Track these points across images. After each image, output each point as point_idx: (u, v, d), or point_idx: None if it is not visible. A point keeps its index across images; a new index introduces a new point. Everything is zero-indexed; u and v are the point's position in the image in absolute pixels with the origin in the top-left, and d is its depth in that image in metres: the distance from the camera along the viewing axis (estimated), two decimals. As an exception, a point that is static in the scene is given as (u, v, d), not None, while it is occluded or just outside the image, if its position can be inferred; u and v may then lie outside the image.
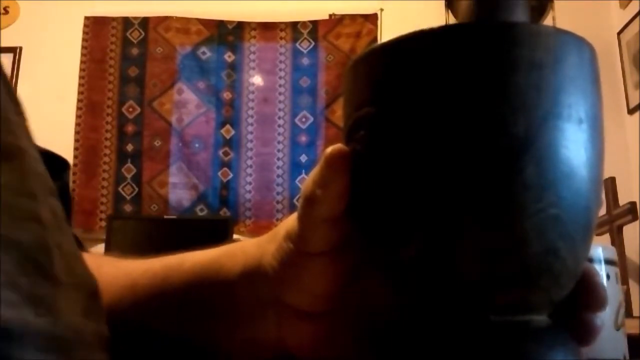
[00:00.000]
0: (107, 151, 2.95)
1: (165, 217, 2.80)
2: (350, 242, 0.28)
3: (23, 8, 3.05)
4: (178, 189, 2.91)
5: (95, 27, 3.05)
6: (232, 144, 2.96)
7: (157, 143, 2.95)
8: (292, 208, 2.83)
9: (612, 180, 2.16)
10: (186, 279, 0.35)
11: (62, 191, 0.33)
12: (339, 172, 0.26)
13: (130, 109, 2.99)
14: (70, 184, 2.53)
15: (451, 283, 0.23)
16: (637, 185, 2.29)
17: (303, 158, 2.92)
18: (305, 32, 3.04)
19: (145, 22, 3.06)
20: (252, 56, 3.04)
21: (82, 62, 3.02)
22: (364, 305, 0.30)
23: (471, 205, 0.23)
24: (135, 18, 3.06)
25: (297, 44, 3.04)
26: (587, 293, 0.26)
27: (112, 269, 0.38)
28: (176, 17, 3.06)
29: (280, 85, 3.01)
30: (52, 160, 0.34)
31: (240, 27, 3.06)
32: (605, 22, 2.72)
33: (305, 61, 3.01)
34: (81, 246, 0.44)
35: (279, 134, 2.96)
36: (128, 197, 2.91)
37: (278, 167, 2.93)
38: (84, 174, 2.89)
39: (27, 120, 0.30)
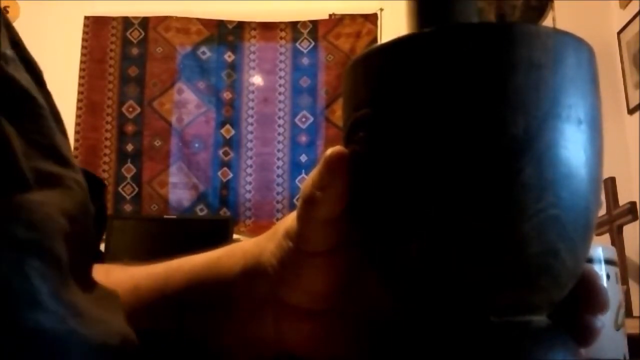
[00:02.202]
0: (107, 151, 2.95)
1: (165, 217, 2.80)
2: (349, 242, 0.28)
3: (23, 8, 3.05)
4: (178, 189, 2.91)
5: (95, 27, 3.05)
6: (232, 144, 2.96)
7: (157, 143, 2.95)
8: (292, 208, 2.83)
9: (612, 180, 2.16)
10: (187, 279, 0.35)
11: (98, 213, 0.33)
12: (338, 174, 0.26)
13: (130, 109, 2.99)
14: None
15: (451, 283, 0.23)
16: (637, 185, 2.29)
17: (303, 158, 2.92)
18: (305, 32, 3.04)
19: (145, 22, 3.06)
20: (252, 56, 3.05)
21: (82, 62, 3.02)
22: (364, 305, 0.30)
23: (471, 206, 0.23)
24: (135, 18, 3.06)
25: (297, 44, 3.04)
26: (588, 295, 0.26)
27: (118, 275, 0.39)
28: (176, 17, 3.06)
29: (280, 85, 3.01)
30: (91, 181, 0.34)
31: (240, 27, 3.06)
32: (605, 22, 2.72)
33: (305, 61, 3.02)
34: (100, 255, 0.45)
35: (279, 134, 2.97)
36: (128, 197, 2.91)
37: (278, 167, 2.93)
38: (84, 174, 2.89)
39: (68, 140, 0.30)
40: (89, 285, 0.26)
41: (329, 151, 0.26)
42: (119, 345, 0.25)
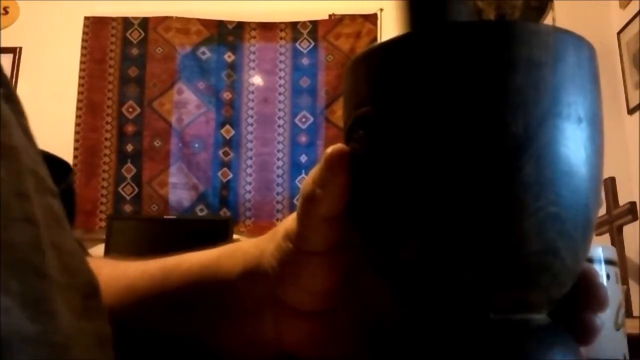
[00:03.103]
0: (107, 151, 2.95)
1: (165, 217, 2.81)
2: (349, 242, 0.28)
3: (23, 8, 3.05)
4: (178, 189, 2.91)
5: (95, 27, 3.05)
6: (232, 144, 2.96)
7: (157, 143, 2.95)
8: (292, 208, 2.83)
9: (612, 180, 2.16)
10: (185, 279, 0.35)
11: (66, 194, 0.33)
12: (339, 172, 0.26)
13: (130, 109, 2.99)
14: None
15: (450, 282, 0.23)
16: (637, 185, 2.29)
17: (303, 158, 2.92)
18: (305, 32, 3.04)
19: (145, 22, 3.06)
20: (252, 56, 3.05)
21: (82, 62, 3.02)
22: (363, 305, 0.30)
23: (470, 204, 0.23)
24: (135, 18, 3.06)
25: (297, 44, 3.04)
26: (588, 293, 0.26)
27: (111, 271, 0.38)
28: (176, 17, 3.06)
29: (280, 85, 3.01)
30: (57, 165, 0.34)
31: (240, 27, 3.06)
32: (605, 22, 2.72)
33: (305, 61, 3.02)
34: (82, 249, 0.44)
35: (279, 134, 2.97)
36: (128, 197, 2.91)
37: (278, 167, 2.93)
38: (84, 174, 2.89)
39: (26, 119, 0.30)
40: (53, 267, 0.25)
41: (330, 149, 0.26)
42: (65, 342, 0.24)
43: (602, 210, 2.16)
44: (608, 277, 0.49)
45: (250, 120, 2.98)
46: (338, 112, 2.89)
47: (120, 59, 3.03)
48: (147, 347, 0.36)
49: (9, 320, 0.21)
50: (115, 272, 0.38)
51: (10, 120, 0.27)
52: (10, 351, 0.21)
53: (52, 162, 0.31)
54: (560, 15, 2.21)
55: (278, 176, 2.92)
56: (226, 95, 3.01)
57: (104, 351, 0.27)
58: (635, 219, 2.06)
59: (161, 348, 0.36)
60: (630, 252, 2.20)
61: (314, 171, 0.28)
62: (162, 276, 0.36)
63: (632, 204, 2.07)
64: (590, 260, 0.49)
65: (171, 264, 0.36)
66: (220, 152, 2.95)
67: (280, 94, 3.00)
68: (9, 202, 0.24)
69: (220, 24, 3.06)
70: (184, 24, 3.06)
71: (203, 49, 3.04)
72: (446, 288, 0.24)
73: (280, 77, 3.02)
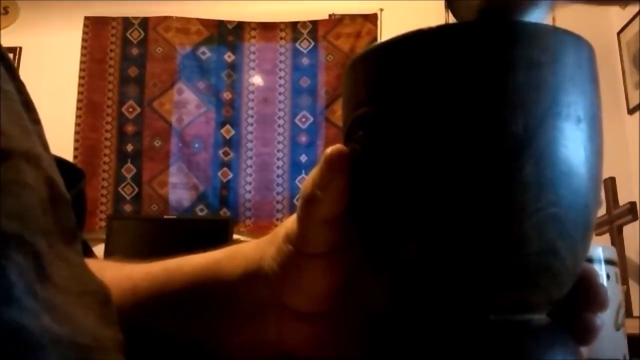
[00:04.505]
0: (107, 151, 2.95)
1: (165, 217, 2.80)
2: (349, 243, 0.28)
3: (23, 8, 3.05)
4: (178, 189, 2.91)
5: (95, 27, 3.05)
6: (232, 144, 2.96)
7: (157, 143, 2.95)
8: (292, 208, 2.83)
9: (612, 180, 2.16)
10: (186, 281, 0.35)
11: (77, 199, 0.33)
12: (338, 173, 0.26)
13: (130, 109, 2.99)
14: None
15: (450, 282, 0.23)
16: (637, 185, 2.29)
17: (303, 158, 2.92)
18: (305, 32, 3.04)
19: (145, 22, 3.06)
20: (252, 56, 3.04)
21: (82, 62, 3.02)
22: (364, 305, 0.30)
23: (470, 205, 0.23)
24: (135, 18, 3.06)
25: (297, 44, 3.04)
26: (588, 294, 0.26)
27: (114, 273, 0.38)
28: (176, 17, 3.06)
29: (280, 85, 3.01)
30: (68, 169, 0.34)
31: (240, 27, 3.06)
32: (605, 22, 2.72)
33: (305, 61, 3.02)
34: (89, 250, 0.44)
35: (279, 134, 2.96)
36: (128, 197, 2.91)
37: (278, 167, 2.93)
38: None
39: (41, 127, 0.30)
40: (65, 277, 0.26)
41: (329, 150, 0.26)
42: (89, 344, 0.24)
43: (602, 210, 2.16)
44: (608, 277, 0.49)
45: (250, 120, 2.98)
46: (338, 112, 2.89)
47: (120, 59, 3.03)
48: (149, 348, 0.36)
49: (40, 323, 0.22)
50: (118, 274, 0.38)
51: (31, 128, 0.27)
52: (41, 352, 0.21)
53: (64, 167, 0.31)
54: (560, 15, 2.21)
55: (278, 176, 2.92)
56: (226, 95, 3.00)
57: (122, 356, 0.28)
58: (635, 219, 2.06)
59: (163, 349, 0.36)
60: (630, 252, 2.21)
61: (314, 172, 0.28)
62: (164, 278, 0.36)
63: (632, 204, 2.08)
64: (590, 260, 0.49)
65: (173, 266, 0.36)
66: (220, 152, 2.95)
67: (280, 94, 3.00)
68: (35, 208, 0.24)
69: (220, 24, 3.06)
70: (184, 24, 3.06)
71: (203, 49, 3.04)
72: (446, 288, 0.24)
73: (280, 77, 3.02)
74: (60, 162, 0.30)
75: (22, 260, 0.22)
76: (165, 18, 3.06)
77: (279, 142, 2.96)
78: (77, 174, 0.44)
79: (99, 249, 2.53)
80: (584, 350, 0.26)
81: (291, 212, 0.32)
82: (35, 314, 0.22)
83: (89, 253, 0.43)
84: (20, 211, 0.23)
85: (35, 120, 0.29)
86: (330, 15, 3.04)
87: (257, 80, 3.03)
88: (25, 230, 0.23)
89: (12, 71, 0.29)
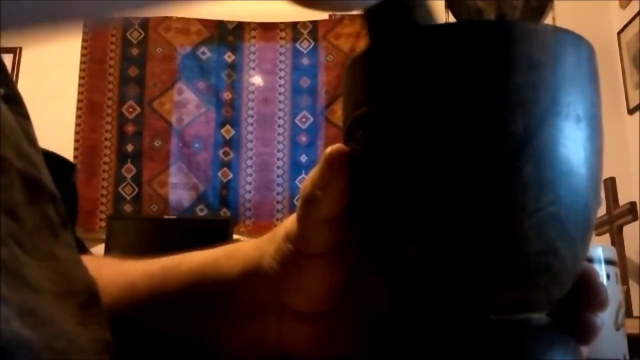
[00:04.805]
0: (107, 151, 2.94)
1: (165, 217, 2.80)
2: (349, 243, 0.28)
3: (23, 8, 3.05)
4: (178, 189, 2.91)
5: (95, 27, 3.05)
6: (232, 144, 2.96)
7: (157, 143, 2.95)
8: (292, 208, 2.83)
9: (612, 180, 2.16)
10: (184, 279, 0.35)
11: (67, 194, 0.32)
12: (338, 172, 0.26)
13: (130, 109, 2.98)
14: (70, 184, 2.53)
15: (450, 282, 0.23)
16: (637, 185, 2.29)
17: (303, 158, 2.92)
18: (305, 32, 3.04)
19: (145, 22, 3.06)
20: (252, 56, 3.04)
21: (82, 62, 3.02)
22: (364, 305, 0.30)
23: (470, 205, 0.23)
24: (135, 18, 3.06)
25: (297, 44, 3.04)
26: (588, 293, 0.26)
27: (111, 270, 0.38)
28: (176, 17, 3.06)
29: (280, 85, 3.01)
30: (59, 164, 0.34)
31: (240, 27, 3.06)
32: (605, 22, 2.72)
33: (305, 61, 3.02)
34: (83, 248, 0.44)
35: (279, 134, 2.96)
36: (128, 197, 2.91)
37: (278, 167, 2.93)
38: (84, 174, 2.89)
39: (29, 121, 0.30)
40: (45, 277, 0.25)
41: (329, 149, 0.26)
42: (64, 348, 0.24)
43: (602, 210, 2.16)
44: (608, 277, 0.50)
45: (250, 120, 2.98)
46: (338, 112, 2.88)
47: (120, 59, 3.03)
48: (147, 347, 0.36)
49: (9, 329, 0.22)
50: (116, 272, 0.38)
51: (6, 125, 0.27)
52: (11, 358, 0.21)
53: (55, 161, 0.31)
54: (560, 15, 2.21)
55: (278, 176, 2.92)
56: (226, 95, 3.00)
57: (102, 358, 0.27)
58: (635, 219, 2.06)
59: (161, 348, 0.36)
60: (630, 252, 2.20)
61: (314, 172, 0.27)
62: (162, 276, 0.36)
63: (632, 204, 2.08)
64: (590, 260, 0.49)
65: (172, 264, 0.36)
66: (220, 152, 2.95)
67: (280, 94, 3.00)
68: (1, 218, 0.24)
69: (220, 24, 3.06)
70: (184, 24, 3.06)
71: (203, 49, 3.04)
72: (446, 288, 0.24)
73: (280, 77, 3.02)
74: (50, 155, 0.30)
75: None
76: (165, 18, 3.06)
77: (279, 142, 2.95)
78: (68, 168, 0.43)
79: (99, 249, 2.53)
80: (584, 350, 0.26)
81: (291, 212, 0.31)
82: (3, 320, 0.22)
83: (83, 250, 0.43)
84: None
85: (22, 114, 0.29)
86: (330, 16, 3.04)
87: (257, 80, 3.03)
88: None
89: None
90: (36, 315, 0.23)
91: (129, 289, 0.36)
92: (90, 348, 0.26)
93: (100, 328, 0.28)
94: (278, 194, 2.90)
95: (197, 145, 2.96)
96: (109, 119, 2.97)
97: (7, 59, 2.94)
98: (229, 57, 3.04)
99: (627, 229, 2.15)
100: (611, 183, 2.16)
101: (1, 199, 0.25)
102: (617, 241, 2.11)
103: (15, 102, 0.29)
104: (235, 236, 2.67)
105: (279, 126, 2.97)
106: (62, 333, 0.24)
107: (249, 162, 2.94)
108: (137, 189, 2.91)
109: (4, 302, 0.22)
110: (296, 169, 2.91)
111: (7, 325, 0.21)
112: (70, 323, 0.25)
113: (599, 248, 0.50)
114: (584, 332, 0.26)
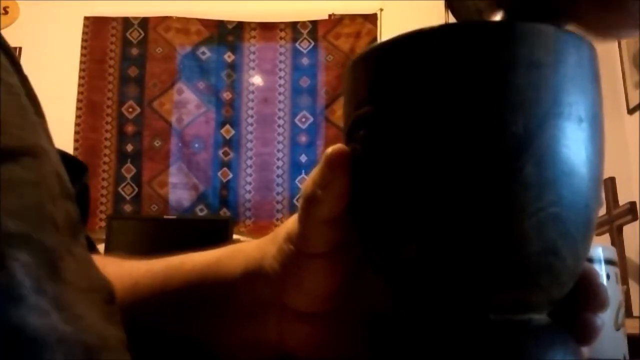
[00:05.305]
0: (107, 151, 2.95)
1: (165, 217, 2.80)
2: (350, 243, 0.28)
3: (23, 8, 3.05)
4: (178, 189, 2.91)
5: (95, 27, 3.05)
6: (232, 144, 2.96)
7: (157, 143, 2.95)
8: (292, 208, 2.83)
9: (612, 180, 2.16)
10: (187, 279, 0.35)
11: (80, 194, 0.32)
12: (339, 172, 0.26)
13: (130, 109, 2.99)
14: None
15: (451, 282, 0.23)
16: (637, 185, 2.29)
17: (303, 158, 2.92)
18: (305, 32, 3.04)
19: (145, 22, 3.06)
20: (252, 56, 3.04)
21: (82, 62, 3.02)
22: (364, 305, 0.30)
23: (470, 205, 0.23)
24: (135, 18, 3.06)
25: (297, 44, 3.04)
26: (588, 293, 0.26)
27: (115, 269, 0.38)
28: (176, 17, 3.06)
29: (280, 85, 3.01)
30: (72, 164, 0.34)
31: (240, 27, 3.06)
32: (605, 22, 2.71)
33: (305, 61, 3.02)
34: (93, 247, 0.44)
35: (279, 134, 2.96)
36: (128, 197, 2.91)
37: (278, 167, 2.93)
38: (84, 174, 2.89)
39: (46, 122, 0.30)
40: (74, 272, 0.25)
41: (330, 149, 0.26)
42: (96, 343, 0.24)
43: (602, 210, 2.16)
44: (608, 277, 0.49)
45: (250, 120, 2.98)
46: (338, 112, 2.89)
47: (120, 59, 3.03)
48: (149, 346, 0.36)
49: (47, 322, 0.22)
50: (119, 271, 0.38)
51: (36, 121, 0.27)
52: (46, 350, 0.21)
53: (68, 161, 0.31)
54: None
55: (278, 176, 2.92)
56: (226, 95, 3.00)
57: (127, 355, 0.28)
58: (635, 219, 2.06)
59: (163, 348, 0.36)
60: (630, 252, 2.20)
61: (315, 172, 0.27)
62: (164, 276, 0.36)
63: (632, 204, 2.08)
64: (590, 260, 0.49)
65: (174, 264, 0.36)
66: (220, 152, 2.95)
67: (280, 94, 3.00)
68: (42, 202, 0.24)
69: (220, 24, 3.06)
70: (184, 24, 3.06)
71: (203, 49, 3.04)
72: (446, 288, 0.24)
73: (280, 77, 3.02)
74: (63, 155, 0.30)
75: (29, 259, 0.22)
76: (165, 18, 3.06)
77: (279, 142, 2.96)
78: (79, 168, 0.43)
79: (99, 249, 2.53)
80: (584, 350, 0.26)
81: (291, 212, 0.31)
82: (42, 313, 0.22)
83: (93, 250, 0.43)
84: (24, 209, 0.23)
85: (40, 114, 0.29)
86: (330, 15, 3.04)
87: (257, 80, 3.03)
88: (32, 228, 0.23)
89: (16, 65, 0.29)
90: (69, 309, 0.23)
91: (131, 288, 0.37)
92: (118, 345, 0.26)
93: (120, 327, 0.28)
94: (278, 194, 2.90)
95: (197, 145, 2.96)
96: (109, 119, 2.98)
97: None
98: (228, 57, 3.04)
99: (627, 229, 2.15)
100: (611, 183, 2.16)
101: (44, 185, 0.25)
102: (617, 241, 2.11)
103: (34, 102, 0.29)
104: (235, 236, 2.67)
105: (278, 126, 2.97)
106: (93, 328, 0.24)
107: (249, 162, 2.94)
108: (137, 189, 2.91)
109: (40, 293, 0.22)
110: (296, 169, 2.91)
111: (45, 319, 0.22)
112: (98, 318, 0.25)
113: (599, 248, 0.50)
114: (584, 333, 0.26)
